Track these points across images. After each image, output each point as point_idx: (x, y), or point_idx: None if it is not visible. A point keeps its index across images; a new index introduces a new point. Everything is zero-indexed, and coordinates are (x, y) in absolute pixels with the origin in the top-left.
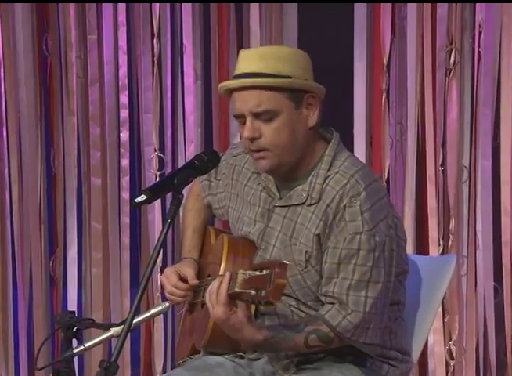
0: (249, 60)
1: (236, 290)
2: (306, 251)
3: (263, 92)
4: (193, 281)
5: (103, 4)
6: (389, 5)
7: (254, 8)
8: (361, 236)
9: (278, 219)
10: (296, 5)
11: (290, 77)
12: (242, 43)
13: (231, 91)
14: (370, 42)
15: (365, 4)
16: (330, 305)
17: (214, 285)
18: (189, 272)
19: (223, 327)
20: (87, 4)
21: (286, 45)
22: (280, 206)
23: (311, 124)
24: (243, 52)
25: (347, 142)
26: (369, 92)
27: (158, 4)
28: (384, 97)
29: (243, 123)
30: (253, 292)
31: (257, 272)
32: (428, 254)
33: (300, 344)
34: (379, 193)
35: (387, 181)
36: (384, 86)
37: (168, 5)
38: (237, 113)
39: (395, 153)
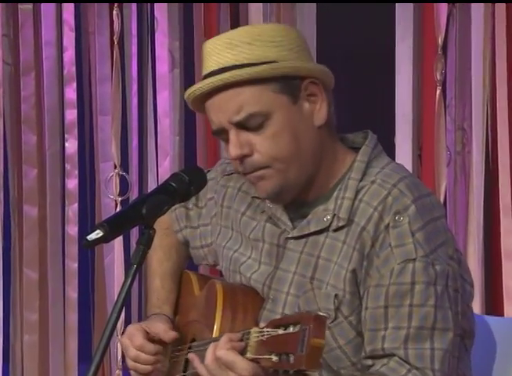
0: (215, 53)
1: (249, 355)
2: (335, 296)
3: (242, 91)
4: (170, 334)
5: None
6: None
7: None
8: (414, 264)
9: (292, 257)
10: None
11: (275, 62)
12: (238, 16)
13: (203, 101)
14: (419, 13)
15: None
16: (385, 360)
17: (213, 349)
18: (160, 327)
19: None
20: None
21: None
22: (294, 238)
23: (318, 122)
24: (205, 45)
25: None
26: (417, 84)
27: None
28: (438, 92)
29: (227, 140)
30: (274, 358)
31: (281, 331)
32: (503, 315)
33: None
34: (434, 210)
35: (444, 207)
36: (438, 76)
37: None
38: (215, 127)
39: (454, 171)
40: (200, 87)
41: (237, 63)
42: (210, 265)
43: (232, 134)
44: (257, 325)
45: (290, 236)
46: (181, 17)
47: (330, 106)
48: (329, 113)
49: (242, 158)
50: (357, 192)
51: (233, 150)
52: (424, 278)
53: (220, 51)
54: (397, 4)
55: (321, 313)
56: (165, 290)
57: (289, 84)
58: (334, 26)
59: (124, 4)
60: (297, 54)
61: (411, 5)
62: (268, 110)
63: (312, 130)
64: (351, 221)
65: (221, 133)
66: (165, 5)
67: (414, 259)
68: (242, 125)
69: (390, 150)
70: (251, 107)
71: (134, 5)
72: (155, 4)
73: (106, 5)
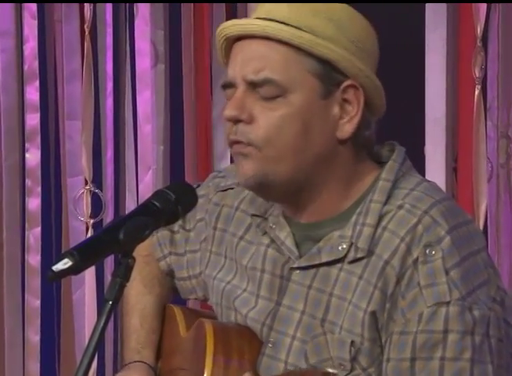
0: (272, 4)
1: None
2: (352, 343)
3: (274, 50)
4: None
5: None
6: None
7: None
8: (448, 308)
9: (298, 291)
10: None
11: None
12: (235, 5)
13: (231, 46)
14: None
15: None
16: None
17: None
18: None
19: None
20: None
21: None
22: (301, 268)
23: (342, 135)
24: None
25: (415, 168)
26: (451, 82)
27: None
28: (477, 91)
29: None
30: None
31: None
32: None
33: None
34: (473, 242)
35: (484, 231)
36: (477, 73)
37: None
38: (227, 79)
39: (497, 187)
40: (233, 24)
41: (288, 21)
42: (199, 299)
43: (240, 91)
44: (255, 374)
45: (295, 266)
46: (167, 5)
47: (366, 128)
48: (361, 133)
49: (235, 121)
50: (380, 218)
51: (230, 108)
52: (460, 326)
53: (279, 4)
54: None
55: (330, 370)
56: (145, 330)
57: (329, 72)
58: None
59: None
60: (359, 52)
61: None
62: (289, 85)
63: (329, 138)
64: (371, 252)
65: (230, 87)
66: None
67: (448, 303)
68: (254, 88)
69: (419, 163)
70: (273, 73)
71: None
72: None
73: None
